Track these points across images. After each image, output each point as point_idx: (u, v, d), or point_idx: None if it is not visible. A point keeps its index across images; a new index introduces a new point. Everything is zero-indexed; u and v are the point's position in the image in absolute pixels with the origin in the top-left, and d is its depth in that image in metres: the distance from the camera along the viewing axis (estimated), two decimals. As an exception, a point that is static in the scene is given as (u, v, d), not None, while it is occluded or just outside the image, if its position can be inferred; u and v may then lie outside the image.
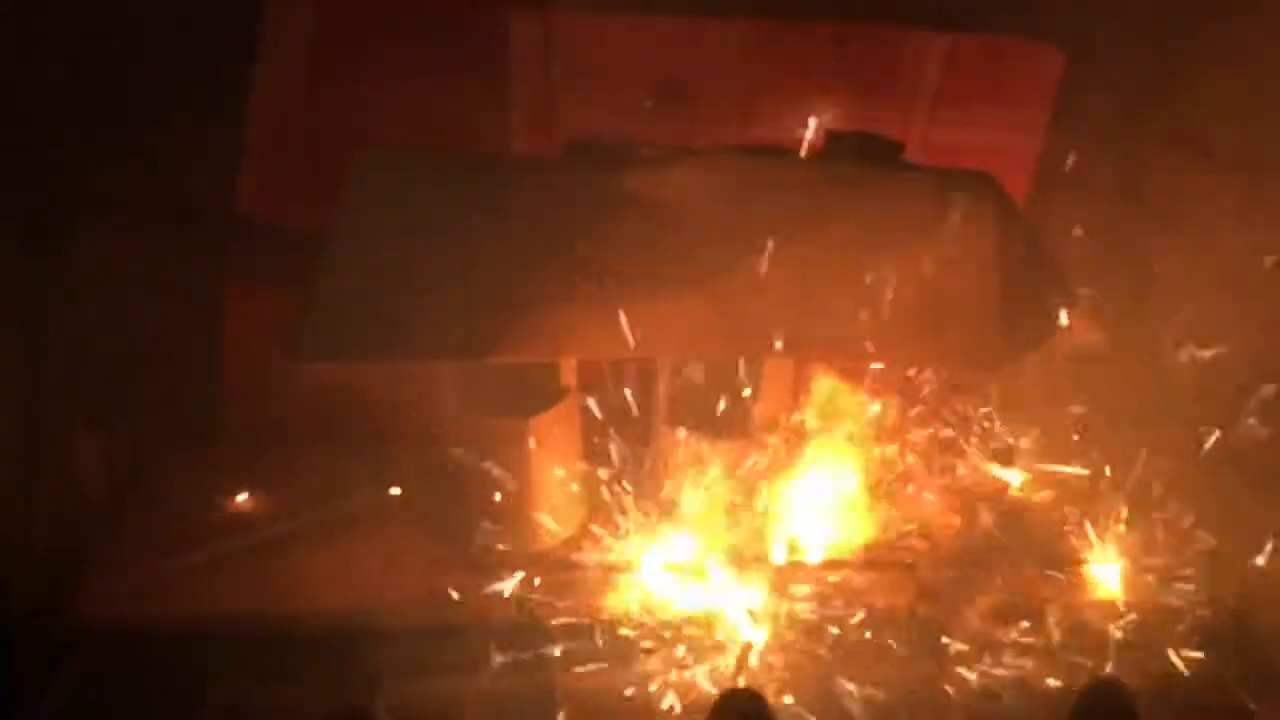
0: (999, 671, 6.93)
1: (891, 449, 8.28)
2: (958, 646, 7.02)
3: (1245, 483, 7.78)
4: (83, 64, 7.48)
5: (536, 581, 7.35)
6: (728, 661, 6.95)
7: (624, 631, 7.04)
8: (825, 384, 8.15)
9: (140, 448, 8.33)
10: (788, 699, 6.68)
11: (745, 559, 7.56)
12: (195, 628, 6.93)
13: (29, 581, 7.09)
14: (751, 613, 7.20)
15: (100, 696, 6.52)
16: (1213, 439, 7.74)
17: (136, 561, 7.44)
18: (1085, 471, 8.20)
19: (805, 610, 7.27)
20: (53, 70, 7.40)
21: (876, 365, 7.98)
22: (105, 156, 7.70)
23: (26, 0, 7.17)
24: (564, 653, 6.88)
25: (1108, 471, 8.07)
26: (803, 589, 7.45)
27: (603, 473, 7.80)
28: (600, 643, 6.93)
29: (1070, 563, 7.81)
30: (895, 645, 7.08)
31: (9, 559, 7.05)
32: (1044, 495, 8.35)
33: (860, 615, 7.23)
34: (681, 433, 7.83)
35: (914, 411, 8.38)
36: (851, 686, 6.75)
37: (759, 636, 7.09)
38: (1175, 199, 8.66)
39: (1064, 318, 7.82)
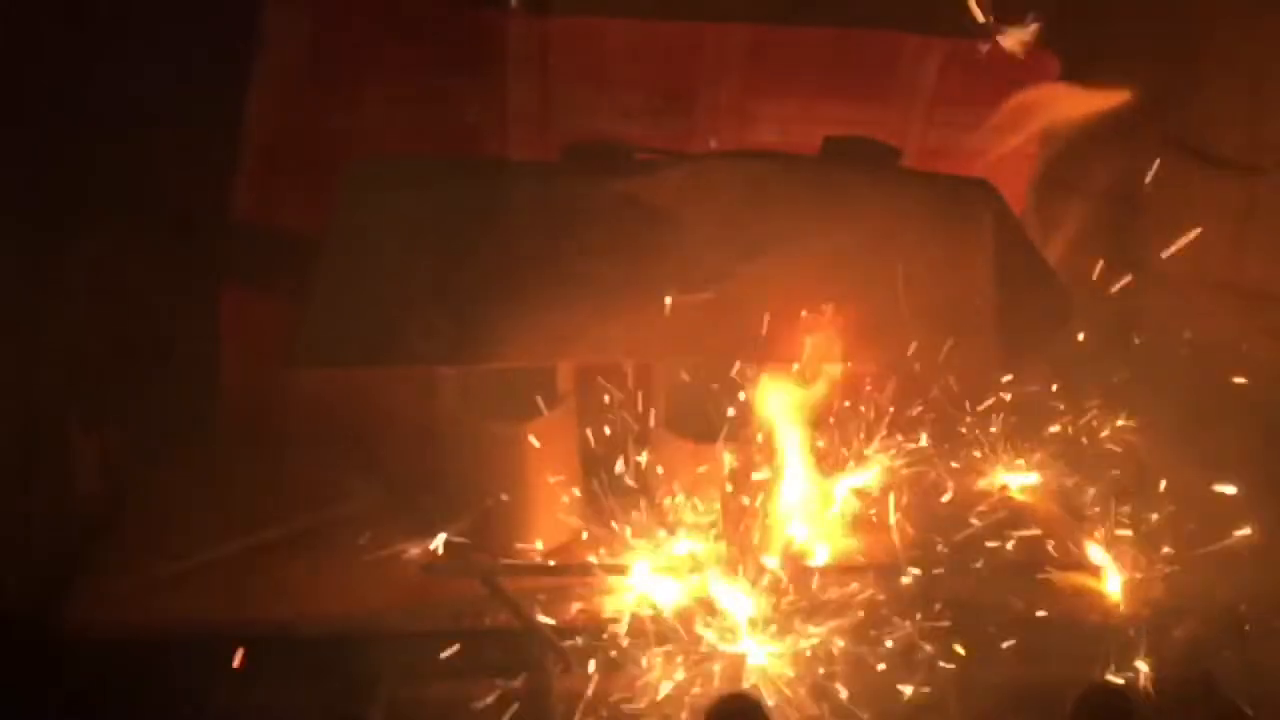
0: (998, 674, 6.93)
1: (889, 453, 8.27)
2: (955, 649, 7.02)
3: (1243, 487, 7.77)
4: (81, 67, 7.47)
5: (533, 586, 7.34)
6: (725, 665, 6.95)
7: (621, 636, 7.03)
8: (822, 388, 8.14)
9: (137, 451, 8.32)
10: (783, 700, 6.69)
11: (743, 563, 7.55)
12: (193, 631, 6.92)
13: (27, 583, 7.08)
14: (750, 618, 7.20)
15: (98, 699, 6.51)
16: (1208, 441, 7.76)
17: (134, 564, 7.43)
18: (1083, 475, 8.22)
19: (803, 613, 7.27)
20: (51, 74, 7.40)
21: (874, 370, 7.97)
22: (102, 159, 7.69)
23: (25, 4, 7.18)
24: (561, 658, 6.88)
25: (1103, 475, 8.10)
26: (801, 592, 7.44)
27: (600, 477, 7.79)
28: (597, 647, 6.92)
29: (1067, 566, 7.81)
30: (893, 648, 7.07)
31: (7, 561, 7.05)
32: (1041, 498, 8.36)
33: (858, 618, 7.22)
34: (679, 438, 7.81)
35: (911, 415, 8.38)
36: (849, 689, 6.75)
37: (757, 640, 7.09)
38: (1172, 203, 8.67)
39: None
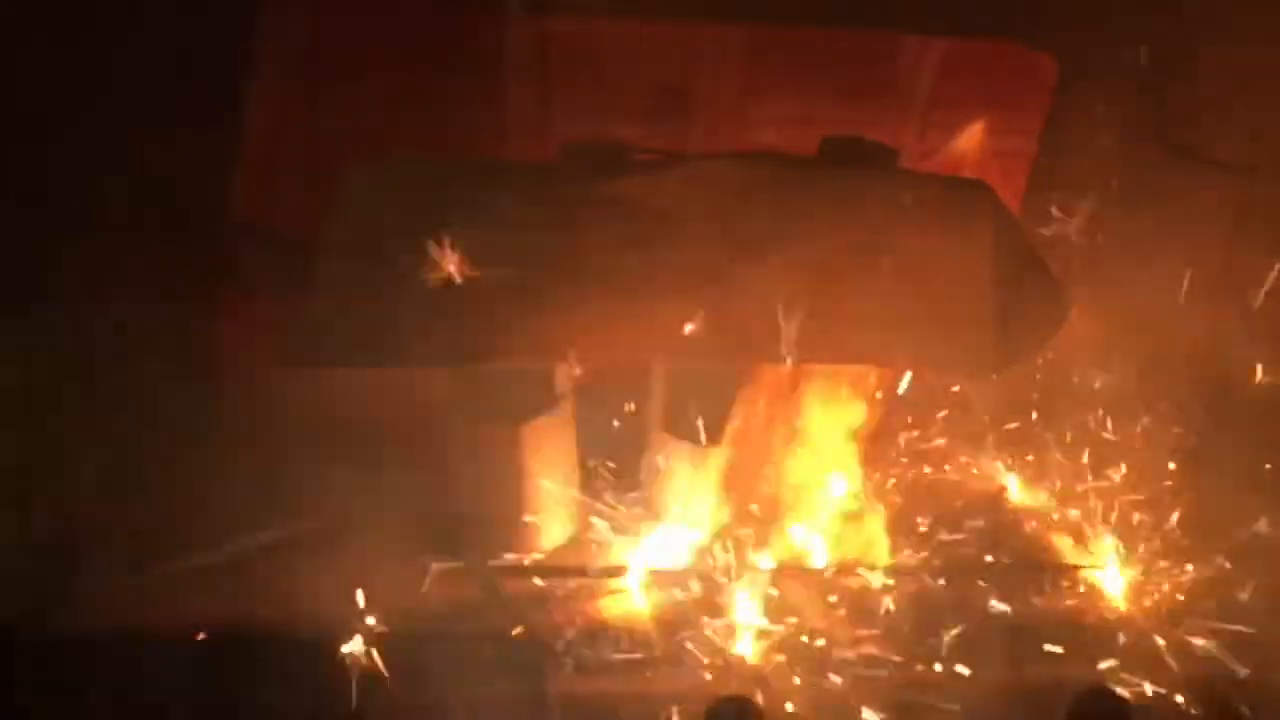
0: (995, 675, 6.94)
1: (888, 454, 8.29)
2: (953, 651, 7.03)
3: (1240, 488, 7.79)
4: (80, 71, 7.48)
5: (531, 588, 7.35)
6: (722, 667, 6.95)
7: (618, 637, 7.04)
8: (821, 390, 8.15)
9: (135, 452, 8.31)
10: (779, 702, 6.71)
11: (741, 564, 7.57)
12: (191, 631, 6.92)
13: (26, 584, 7.09)
14: (748, 619, 7.21)
15: (97, 699, 6.51)
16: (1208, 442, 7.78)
17: (132, 565, 7.43)
18: (1081, 476, 8.23)
19: (801, 614, 7.28)
20: (51, 78, 7.41)
21: (872, 371, 7.98)
22: (103, 163, 7.70)
23: (25, 8, 7.20)
24: (557, 658, 6.89)
25: (1104, 476, 8.12)
26: (798, 593, 7.45)
27: (598, 478, 7.80)
28: (594, 648, 6.93)
29: (1066, 567, 7.83)
30: (892, 649, 7.08)
31: (6, 562, 7.06)
32: (1041, 500, 8.38)
33: (856, 619, 7.23)
34: (678, 439, 7.82)
35: (910, 417, 8.40)
36: (846, 689, 6.77)
37: (754, 642, 7.10)
38: (1170, 203, 8.68)
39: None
